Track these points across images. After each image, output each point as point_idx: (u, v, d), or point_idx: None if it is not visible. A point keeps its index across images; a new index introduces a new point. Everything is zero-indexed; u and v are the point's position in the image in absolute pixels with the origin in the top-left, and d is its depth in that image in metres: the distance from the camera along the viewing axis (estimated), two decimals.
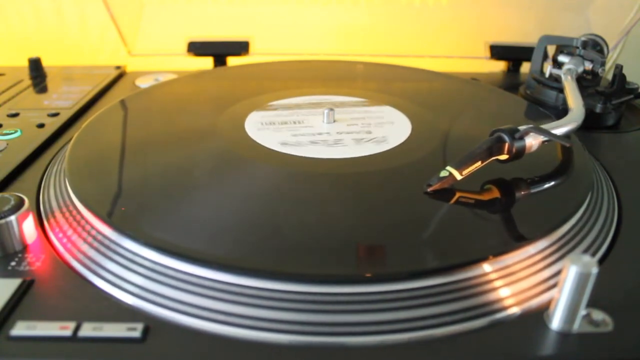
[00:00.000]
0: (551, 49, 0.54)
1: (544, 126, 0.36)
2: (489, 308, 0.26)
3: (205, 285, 0.26)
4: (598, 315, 0.26)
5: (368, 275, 0.27)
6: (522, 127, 0.35)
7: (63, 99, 0.54)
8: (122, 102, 0.49)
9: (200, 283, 0.27)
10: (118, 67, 0.65)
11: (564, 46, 0.53)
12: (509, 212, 0.33)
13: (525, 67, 0.66)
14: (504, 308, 0.26)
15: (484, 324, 0.26)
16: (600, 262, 0.30)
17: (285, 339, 0.25)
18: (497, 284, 0.27)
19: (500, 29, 0.70)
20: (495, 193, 0.34)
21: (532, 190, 0.35)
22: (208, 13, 0.71)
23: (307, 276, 0.26)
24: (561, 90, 0.49)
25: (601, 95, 0.48)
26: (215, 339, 0.25)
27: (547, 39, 0.54)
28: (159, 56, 0.70)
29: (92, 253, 0.29)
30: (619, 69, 0.48)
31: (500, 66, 0.69)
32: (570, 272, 0.23)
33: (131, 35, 0.69)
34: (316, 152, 0.39)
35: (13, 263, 0.29)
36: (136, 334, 0.24)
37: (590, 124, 0.46)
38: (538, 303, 0.27)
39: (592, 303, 0.25)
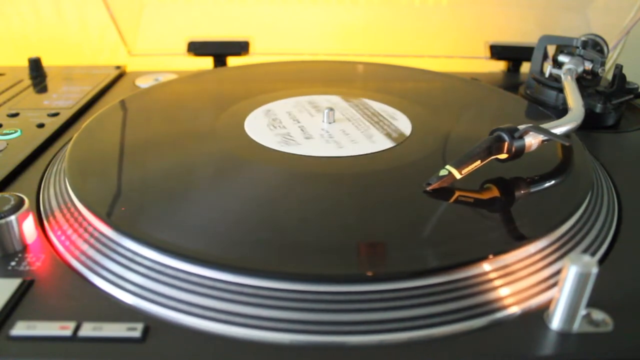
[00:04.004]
0: (551, 49, 0.54)
1: (544, 125, 0.36)
2: (488, 307, 0.26)
3: (205, 285, 0.26)
4: (598, 315, 0.26)
5: (368, 274, 0.27)
6: (521, 127, 0.35)
7: (63, 99, 0.54)
8: (122, 102, 0.49)
9: (201, 282, 0.27)
10: (118, 67, 0.65)
11: (564, 46, 0.53)
12: (508, 211, 0.33)
13: (525, 67, 0.66)
14: (504, 307, 0.26)
15: (483, 323, 0.26)
16: (600, 262, 0.30)
17: (286, 338, 0.25)
18: (496, 283, 0.27)
19: (500, 29, 0.70)
20: (495, 192, 0.34)
21: (532, 190, 0.35)
22: (208, 13, 0.71)
23: (307, 275, 0.26)
24: (561, 90, 0.49)
25: (601, 95, 0.48)
26: (215, 338, 0.25)
27: (547, 39, 0.54)
28: (159, 56, 0.70)
29: (92, 253, 0.29)
30: (619, 69, 0.48)
31: (500, 66, 0.69)
32: (570, 272, 0.23)
33: (131, 35, 0.69)
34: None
35: (13, 263, 0.29)
36: (136, 334, 0.24)
37: (590, 123, 0.46)
38: (538, 303, 0.27)
39: (592, 303, 0.25)
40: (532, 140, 0.35)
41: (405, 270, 0.27)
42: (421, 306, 0.26)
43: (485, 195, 0.34)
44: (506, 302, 0.27)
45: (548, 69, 0.52)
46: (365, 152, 0.39)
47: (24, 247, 0.30)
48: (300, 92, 0.52)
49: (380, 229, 0.31)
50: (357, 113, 0.47)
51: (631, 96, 0.49)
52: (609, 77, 0.51)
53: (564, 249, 0.30)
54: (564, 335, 0.25)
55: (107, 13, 0.65)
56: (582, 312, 0.25)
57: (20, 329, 0.24)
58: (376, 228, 0.31)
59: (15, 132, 0.45)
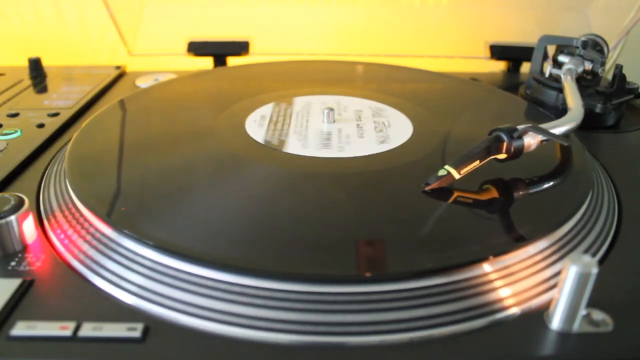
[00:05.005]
0: (551, 49, 0.54)
1: (543, 125, 0.36)
2: (489, 308, 0.26)
3: (205, 285, 0.26)
4: (598, 315, 0.26)
5: (368, 275, 0.27)
6: (520, 127, 0.35)
7: (63, 99, 0.54)
8: (122, 102, 0.49)
9: (201, 282, 0.27)
10: (118, 67, 0.65)
11: (564, 46, 0.53)
12: (508, 212, 0.33)
13: (525, 67, 0.66)
14: (504, 308, 0.26)
15: (484, 324, 0.26)
16: (600, 262, 0.30)
17: (285, 338, 0.25)
18: (497, 284, 0.27)
19: (500, 29, 0.70)
20: (494, 193, 0.34)
21: (532, 190, 0.35)
22: (208, 13, 0.71)
23: (307, 276, 0.26)
24: (561, 90, 0.49)
25: (601, 95, 0.48)
26: (215, 339, 0.25)
27: (547, 39, 0.54)
28: (159, 56, 0.70)
29: (92, 253, 0.29)
30: (619, 69, 0.48)
31: (500, 66, 0.69)
32: (570, 272, 0.23)
33: (131, 35, 0.69)
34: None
35: (13, 263, 0.29)
36: (136, 334, 0.24)
37: (590, 123, 0.46)
38: (538, 303, 0.27)
39: (592, 303, 0.25)
40: (531, 141, 0.35)
41: (405, 271, 0.27)
42: (421, 307, 0.26)
43: (484, 196, 0.34)
44: (506, 302, 0.27)
45: (548, 69, 0.52)
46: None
47: (24, 247, 0.30)
48: (301, 92, 0.52)
49: (379, 229, 0.31)
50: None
51: (631, 96, 0.49)
52: (609, 77, 0.51)
53: (564, 250, 0.30)
54: (564, 336, 0.25)
55: (107, 13, 0.65)
56: (582, 312, 0.25)
57: (20, 329, 0.24)
58: (376, 229, 0.31)
59: (15, 132, 0.45)
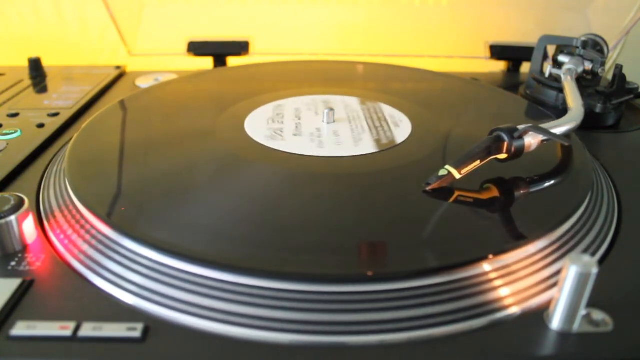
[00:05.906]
0: (551, 49, 0.54)
1: (543, 125, 0.36)
2: (489, 308, 0.26)
3: (205, 285, 0.26)
4: (598, 315, 0.26)
5: (368, 274, 0.27)
6: (521, 127, 0.35)
7: (63, 99, 0.54)
8: (122, 102, 0.49)
9: (201, 282, 0.27)
10: (118, 67, 0.65)
11: (564, 46, 0.53)
12: (508, 211, 0.33)
13: (525, 67, 0.66)
14: (504, 308, 0.26)
15: (484, 323, 0.26)
16: (600, 262, 0.30)
17: (286, 338, 0.25)
18: (497, 283, 0.27)
19: (500, 29, 0.70)
20: (495, 192, 0.34)
21: (532, 190, 0.35)
22: (208, 13, 0.71)
23: (307, 275, 0.26)
24: (561, 90, 0.49)
25: (601, 95, 0.48)
26: (215, 338, 0.25)
27: (547, 39, 0.54)
28: (159, 56, 0.70)
29: (92, 253, 0.29)
30: (619, 69, 0.48)
31: (500, 66, 0.69)
32: (570, 272, 0.23)
33: (131, 35, 0.69)
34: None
35: (13, 263, 0.29)
36: (136, 334, 0.24)
37: (590, 123, 0.46)
38: (538, 303, 0.27)
39: (592, 303, 0.25)
40: (532, 140, 0.35)
41: (405, 271, 0.27)
42: (421, 306, 0.26)
43: (484, 195, 0.34)
44: (506, 302, 0.27)
45: (548, 69, 0.52)
46: (365, 153, 0.39)
47: (24, 247, 0.30)
48: (301, 92, 0.52)
49: (379, 229, 0.31)
50: (356, 113, 0.47)
51: (631, 96, 0.49)
52: (609, 77, 0.51)
53: (564, 249, 0.30)
54: (564, 335, 0.25)
55: (107, 13, 0.65)
56: (582, 312, 0.25)
57: (20, 329, 0.24)
58: (376, 228, 0.31)
59: (15, 132, 0.45)
